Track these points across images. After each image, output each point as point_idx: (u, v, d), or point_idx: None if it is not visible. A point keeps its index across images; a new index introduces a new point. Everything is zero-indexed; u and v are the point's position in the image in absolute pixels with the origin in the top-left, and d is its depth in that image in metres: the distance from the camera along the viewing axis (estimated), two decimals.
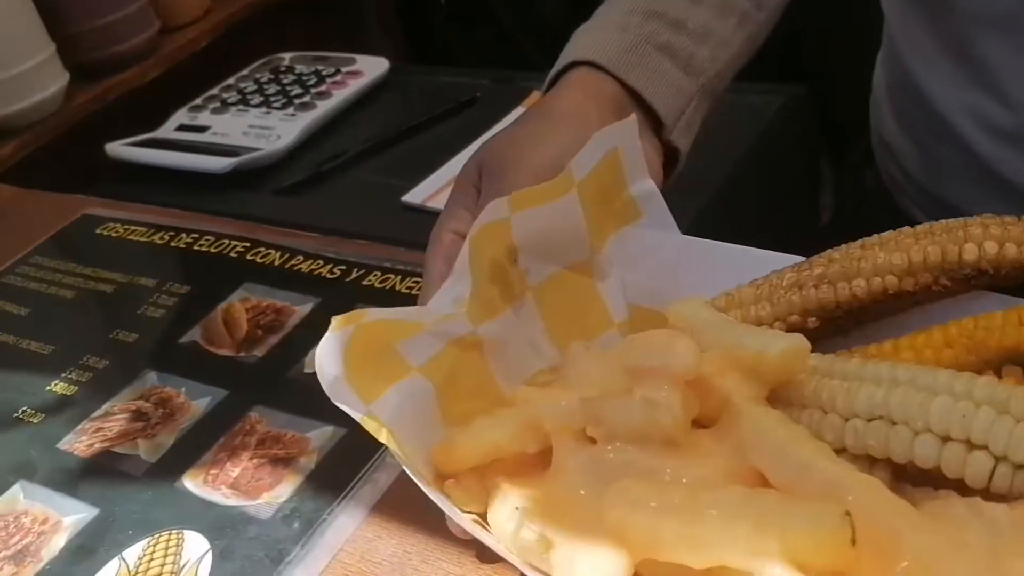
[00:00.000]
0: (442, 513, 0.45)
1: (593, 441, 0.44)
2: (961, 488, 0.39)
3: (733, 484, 0.41)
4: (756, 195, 1.01)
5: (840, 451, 0.41)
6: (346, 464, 0.57)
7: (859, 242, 0.49)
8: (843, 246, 0.50)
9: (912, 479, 0.41)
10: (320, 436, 0.59)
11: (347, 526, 0.54)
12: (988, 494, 0.38)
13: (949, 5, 0.67)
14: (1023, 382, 0.42)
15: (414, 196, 1.00)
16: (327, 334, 0.45)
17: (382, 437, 0.44)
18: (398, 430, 0.45)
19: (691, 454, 0.42)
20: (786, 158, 1.06)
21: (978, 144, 0.69)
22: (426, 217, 0.92)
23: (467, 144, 1.01)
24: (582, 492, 0.43)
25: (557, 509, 0.43)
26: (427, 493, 0.43)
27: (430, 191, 1.00)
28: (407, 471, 0.44)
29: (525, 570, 0.41)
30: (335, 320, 0.45)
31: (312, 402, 0.62)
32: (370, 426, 0.44)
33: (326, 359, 0.44)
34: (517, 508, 0.43)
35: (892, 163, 0.82)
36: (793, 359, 0.43)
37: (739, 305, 0.50)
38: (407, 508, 0.54)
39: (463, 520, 0.44)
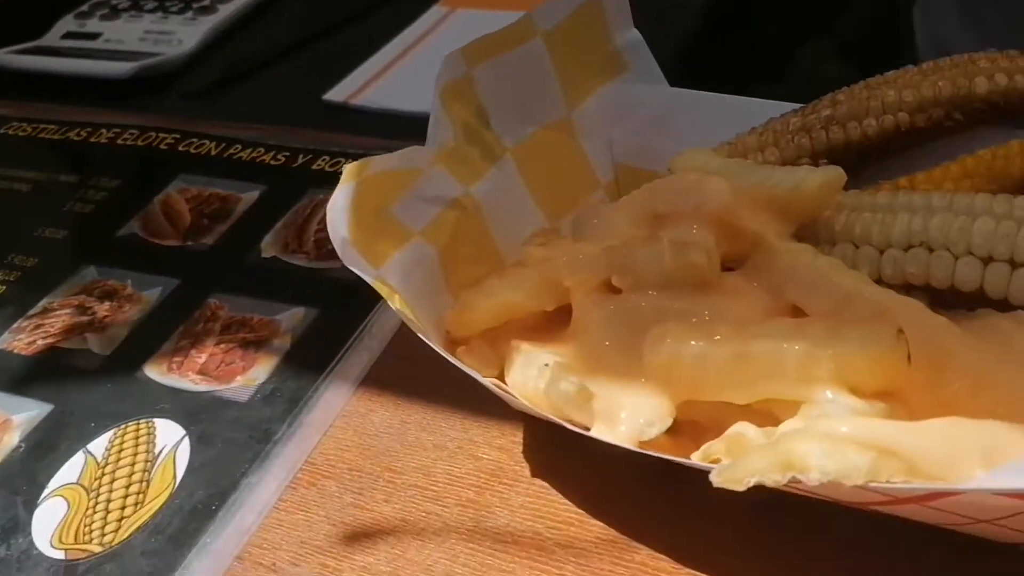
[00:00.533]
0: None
1: (617, 292, 0.42)
2: (1002, 307, 0.39)
3: (774, 318, 0.40)
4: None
5: (876, 282, 0.40)
6: (323, 343, 0.54)
7: (862, 83, 0.48)
8: (845, 88, 0.49)
9: (946, 303, 0.40)
10: (291, 318, 0.56)
11: (335, 402, 0.51)
12: None
13: None
14: None
15: (337, 94, 0.96)
16: (337, 189, 0.43)
17: (395, 303, 0.42)
18: (408, 296, 0.43)
19: (726, 295, 0.41)
20: None
21: None
22: (351, 115, 0.88)
23: (386, 40, 0.97)
24: (607, 344, 0.41)
25: (588, 362, 0.41)
26: (445, 356, 0.42)
27: (353, 88, 0.96)
28: (421, 337, 0.42)
29: (563, 423, 0.39)
30: (346, 170, 0.43)
31: (275, 286, 0.59)
32: (383, 291, 0.42)
33: (336, 218, 0.42)
34: (547, 364, 0.41)
35: None
36: (830, 191, 0.41)
37: (743, 153, 0.49)
38: (399, 381, 0.51)
39: (486, 383, 0.42)
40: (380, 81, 0.89)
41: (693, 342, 0.38)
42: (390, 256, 0.44)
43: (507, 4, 0.91)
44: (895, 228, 0.40)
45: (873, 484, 0.33)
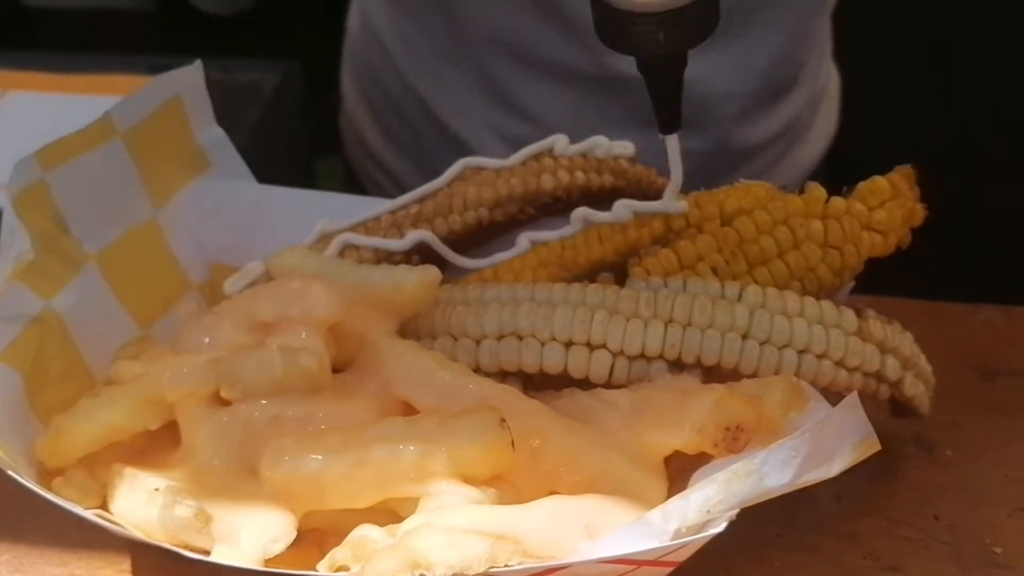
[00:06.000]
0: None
1: (227, 404, 0.42)
2: (584, 385, 0.43)
3: (387, 418, 0.41)
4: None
5: (474, 371, 0.43)
6: None
7: (434, 185, 0.52)
8: (424, 188, 0.52)
9: (537, 385, 0.44)
10: None
11: None
12: (609, 385, 0.43)
13: (457, 26, 0.72)
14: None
15: None
16: None
17: None
18: None
19: (338, 397, 0.42)
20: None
21: (494, 151, 0.75)
22: None
23: None
24: (220, 462, 0.41)
25: (203, 483, 0.40)
26: (42, 494, 0.39)
27: None
28: (13, 475, 0.39)
29: (180, 551, 0.38)
30: None
31: None
32: None
33: None
34: (158, 489, 0.39)
35: (379, 173, 0.85)
36: (428, 289, 0.44)
37: None
38: None
39: (87, 515, 0.39)
40: None
41: (311, 456, 0.38)
42: None
43: (66, 87, 0.86)
44: (487, 319, 0.44)
45: (493, 569, 0.35)
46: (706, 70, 0.72)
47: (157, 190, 0.51)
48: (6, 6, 1.68)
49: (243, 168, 0.54)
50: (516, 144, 0.54)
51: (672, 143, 0.45)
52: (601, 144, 0.52)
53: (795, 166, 0.85)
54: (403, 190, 0.60)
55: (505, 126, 0.75)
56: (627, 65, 0.68)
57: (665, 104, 0.43)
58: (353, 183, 0.92)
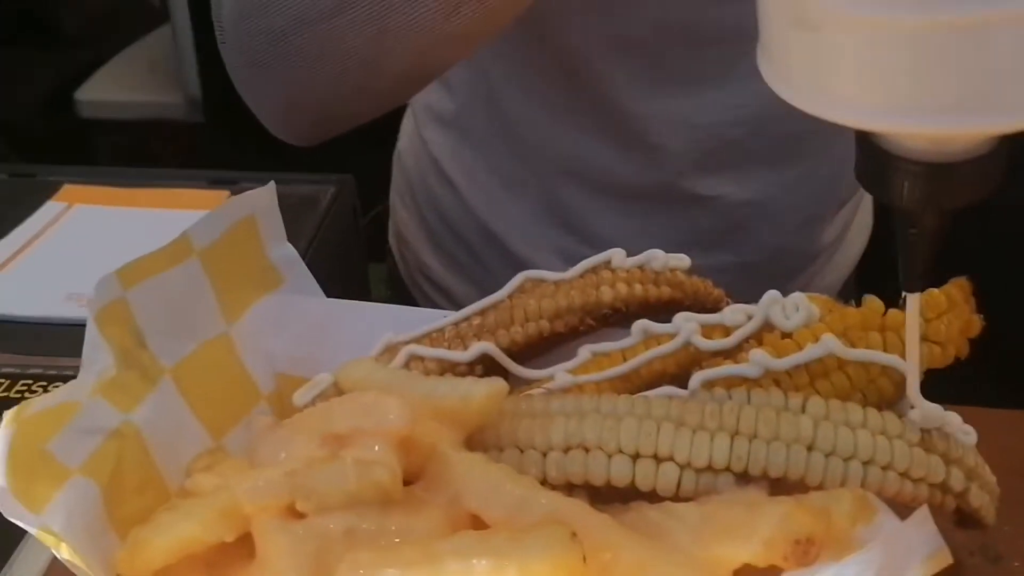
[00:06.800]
0: None
1: (301, 516, 0.42)
2: (651, 498, 0.44)
3: (457, 531, 0.42)
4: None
5: (541, 483, 0.44)
6: None
7: (496, 298, 0.53)
8: (486, 300, 0.53)
9: (604, 498, 0.45)
10: None
11: None
12: (676, 498, 0.43)
13: (520, 152, 0.75)
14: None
15: None
16: None
17: (63, 553, 0.40)
18: (74, 541, 0.41)
19: (409, 510, 0.42)
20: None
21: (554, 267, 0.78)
22: None
23: None
24: (291, 575, 0.41)
25: None
26: None
27: None
28: None
29: None
30: (4, 417, 0.40)
31: None
32: (48, 541, 0.40)
33: None
34: None
35: (430, 287, 0.87)
36: (495, 401, 0.45)
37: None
38: None
39: None
40: None
41: (386, 569, 0.39)
42: (51, 499, 0.42)
43: (128, 200, 0.89)
44: (553, 432, 0.44)
45: None
46: (774, 188, 0.74)
47: (231, 306, 0.53)
48: (66, 118, 1.76)
49: (313, 284, 0.56)
50: (573, 260, 0.56)
51: (912, 304, 0.40)
52: (657, 257, 0.54)
53: (837, 268, 0.86)
54: (454, 304, 0.61)
55: (569, 248, 0.77)
56: (692, 182, 0.71)
57: (912, 259, 0.38)
58: (400, 292, 0.94)
